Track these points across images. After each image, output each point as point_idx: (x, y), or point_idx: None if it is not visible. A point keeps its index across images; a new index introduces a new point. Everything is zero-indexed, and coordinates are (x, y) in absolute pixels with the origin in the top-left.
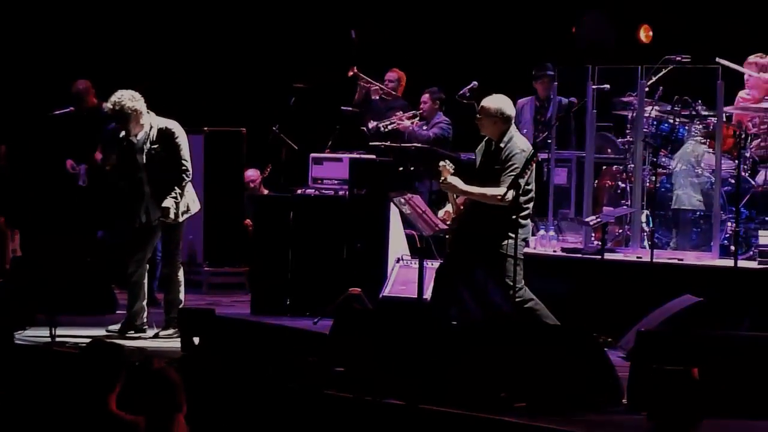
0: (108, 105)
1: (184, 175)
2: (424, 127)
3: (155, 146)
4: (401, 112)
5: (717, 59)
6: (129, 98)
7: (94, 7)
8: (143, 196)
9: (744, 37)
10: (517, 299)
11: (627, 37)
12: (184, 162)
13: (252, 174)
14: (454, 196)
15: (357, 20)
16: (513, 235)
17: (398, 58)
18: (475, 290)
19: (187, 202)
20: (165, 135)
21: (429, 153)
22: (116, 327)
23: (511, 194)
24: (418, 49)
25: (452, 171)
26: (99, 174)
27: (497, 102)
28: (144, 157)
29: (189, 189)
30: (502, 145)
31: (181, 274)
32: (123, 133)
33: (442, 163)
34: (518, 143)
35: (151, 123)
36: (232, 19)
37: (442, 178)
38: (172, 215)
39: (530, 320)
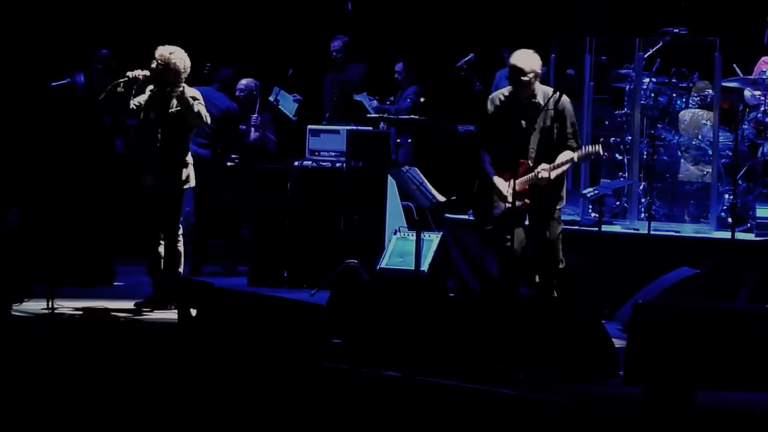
0: (161, 54)
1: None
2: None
3: (178, 108)
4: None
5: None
6: (182, 60)
7: None
8: (152, 154)
9: (742, 9)
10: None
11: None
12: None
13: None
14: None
15: None
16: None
17: (394, 30)
18: (471, 261)
19: (188, 173)
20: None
21: (425, 125)
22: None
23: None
24: (414, 20)
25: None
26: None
27: (531, 59)
28: (162, 116)
29: (191, 161)
30: (540, 101)
31: (181, 246)
32: (150, 87)
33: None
34: (563, 98)
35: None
36: None
37: (542, 176)
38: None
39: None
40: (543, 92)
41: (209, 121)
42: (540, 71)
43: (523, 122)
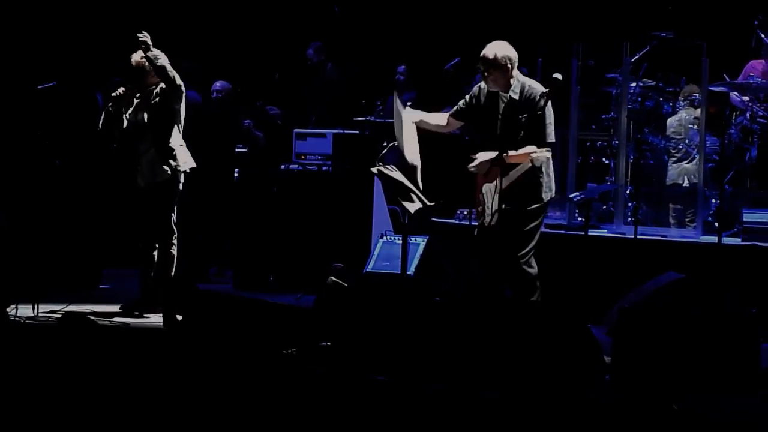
0: (136, 61)
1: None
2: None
3: (157, 100)
4: None
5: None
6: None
7: None
8: (140, 155)
9: (729, 13)
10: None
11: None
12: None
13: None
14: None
15: None
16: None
17: (381, 34)
18: (458, 266)
19: (183, 159)
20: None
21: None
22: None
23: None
24: (402, 24)
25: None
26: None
27: (501, 49)
28: (145, 114)
29: (182, 143)
30: (516, 96)
31: (174, 250)
32: (120, 90)
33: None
34: (535, 88)
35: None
36: None
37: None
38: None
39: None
40: (521, 83)
41: (179, 81)
42: (509, 62)
43: (500, 117)
